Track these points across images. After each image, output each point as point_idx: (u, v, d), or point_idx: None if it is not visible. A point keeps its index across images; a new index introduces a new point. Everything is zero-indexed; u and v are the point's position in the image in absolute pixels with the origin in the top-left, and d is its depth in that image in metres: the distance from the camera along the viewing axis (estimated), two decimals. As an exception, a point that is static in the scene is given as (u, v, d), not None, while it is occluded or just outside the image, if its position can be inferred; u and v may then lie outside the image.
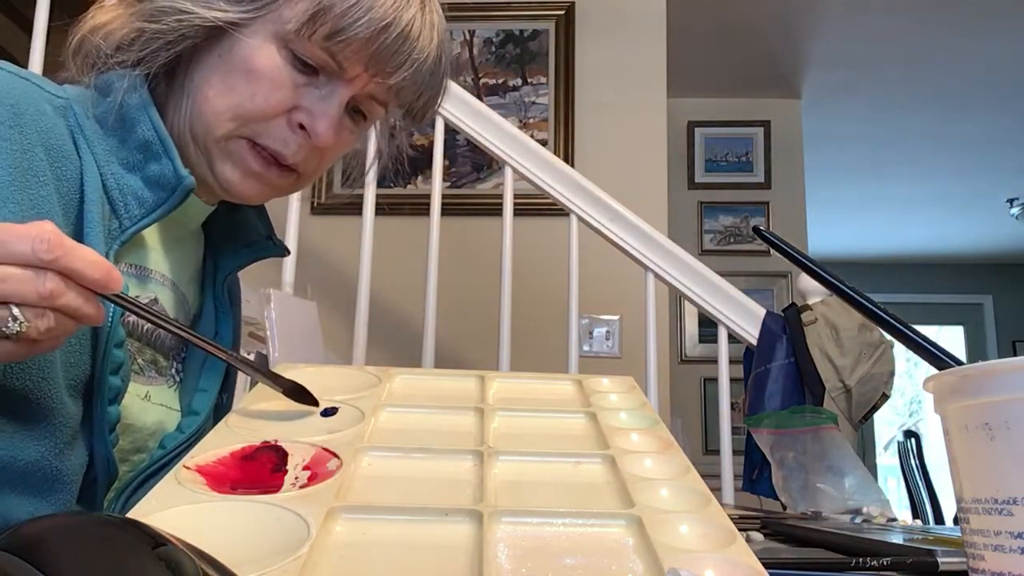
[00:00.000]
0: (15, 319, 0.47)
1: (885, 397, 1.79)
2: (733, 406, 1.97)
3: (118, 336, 0.63)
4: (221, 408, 0.77)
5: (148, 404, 0.70)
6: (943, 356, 0.40)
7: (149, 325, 0.70)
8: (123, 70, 0.68)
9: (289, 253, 0.87)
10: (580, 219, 1.86)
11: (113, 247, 0.65)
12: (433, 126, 1.93)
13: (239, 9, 0.67)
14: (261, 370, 0.61)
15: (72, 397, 0.61)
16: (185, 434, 0.71)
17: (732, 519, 0.45)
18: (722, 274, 1.89)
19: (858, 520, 1.02)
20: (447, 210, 2.04)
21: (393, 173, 0.87)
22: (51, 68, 0.79)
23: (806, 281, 1.90)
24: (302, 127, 0.68)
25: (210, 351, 0.61)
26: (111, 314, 0.62)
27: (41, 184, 0.60)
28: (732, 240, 3.84)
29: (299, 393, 0.60)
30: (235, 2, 0.67)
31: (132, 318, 0.68)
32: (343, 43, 0.66)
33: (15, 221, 0.56)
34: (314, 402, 0.60)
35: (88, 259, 0.49)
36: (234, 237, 0.81)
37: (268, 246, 0.83)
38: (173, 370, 0.74)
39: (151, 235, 0.72)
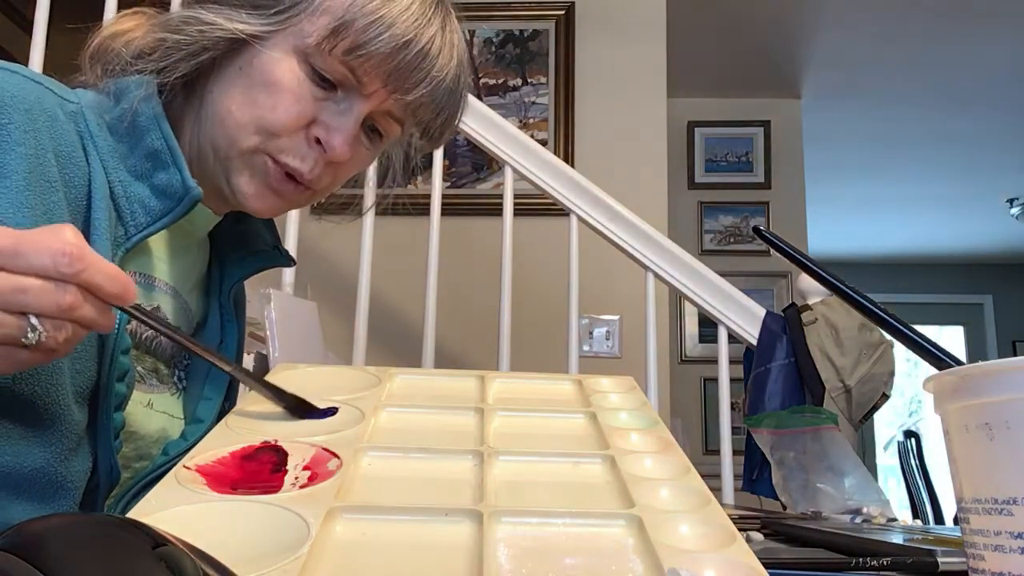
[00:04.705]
0: (34, 329, 0.48)
1: (885, 397, 1.79)
2: (733, 406, 1.97)
3: (124, 343, 0.64)
4: (225, 415, 0.77)
5: (151, 412, 0.70)
6: (943, 356, 0.40)
7: (149, 333, 0.70)
8: (141, 77, 0.68)
9: (295, 263, 0.87)
10: (580, 219, 1.86)
11: (118, 254, 0.65)
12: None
13: (261, 22, 0.67)
14: (265, 384, 0.61)
15: (78, 404, 0.61)
16: (189, 441, 0.71)
17: (732, 519, 0.45)
18: (722, 274, 1.89)
19: (858, 520, 1.02)
20: (447, 210, 2.04)
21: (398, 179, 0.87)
22: (51, 68, 0.79)
23: (806, 281, 1.90)
24: (318, 142, 0.68)
25: (217, 364, 0.61)
26: (118, 321, 0.62)
27: (53, 190, 0.60)
28: (732, 240, 3.84)
29: (301, 408, 0.60)
30: (257, 15, 0.67)
31: (132, 325, 0.68)
32: (363, 58, 0.66)
33: (29, 226, 0.56)
34: (315, 414, 0.60)
35: (107, 272, 0.50)
36: (240, 246, 0.81)
37: (274, 256, 0.83)
38: (175, 378, 0.75)
39: (156, 243, 0.72)
